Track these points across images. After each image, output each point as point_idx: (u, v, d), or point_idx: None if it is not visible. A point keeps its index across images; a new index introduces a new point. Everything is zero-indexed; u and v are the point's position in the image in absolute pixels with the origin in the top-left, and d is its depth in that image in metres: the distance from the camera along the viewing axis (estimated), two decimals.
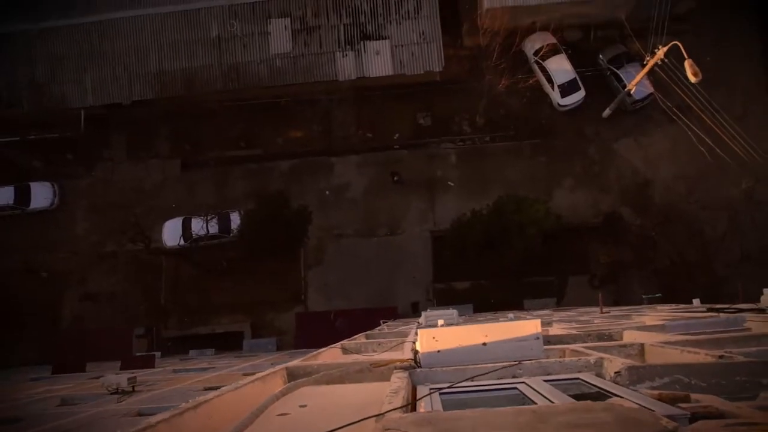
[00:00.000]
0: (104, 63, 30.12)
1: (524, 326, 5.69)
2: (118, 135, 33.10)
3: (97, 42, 30.15)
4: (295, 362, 6.82)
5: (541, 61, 30.57)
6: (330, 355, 8.80)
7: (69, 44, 30.31)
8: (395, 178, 31.44)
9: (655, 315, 13.03)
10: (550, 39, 30.53)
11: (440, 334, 5.66)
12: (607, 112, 30.70)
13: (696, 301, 17.24)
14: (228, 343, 29.91)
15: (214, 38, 30.14)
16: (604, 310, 18.55)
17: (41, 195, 31.97)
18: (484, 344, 5.61)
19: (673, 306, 18.31)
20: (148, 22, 30.13)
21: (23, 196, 31.84)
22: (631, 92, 29.02)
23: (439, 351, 5.58)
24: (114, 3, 30.34)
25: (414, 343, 6.39)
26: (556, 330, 10.37)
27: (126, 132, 33.03)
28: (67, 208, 32.45)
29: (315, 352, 9.07)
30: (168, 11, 30.22)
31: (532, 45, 30.80)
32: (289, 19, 30.05)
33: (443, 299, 29.93)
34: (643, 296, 26.60)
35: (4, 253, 31.21)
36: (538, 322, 5.69)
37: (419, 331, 5.78)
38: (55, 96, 30.41)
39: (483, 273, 30.40)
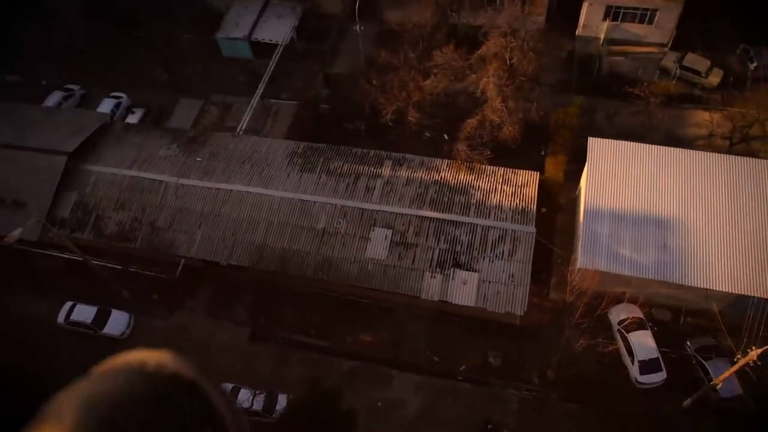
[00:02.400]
0: (217, 224, 32.98)
1: None
2: (205, 289, 34.89)
3: (219, 205, 33.41)
4: None
5: (624, 332, 30.10)
6: None
7: (195, 201, 33.75)
8: (489, 427, 29.94)
9: None
10: (636, 312, 30.34)
11: None
12: (688, 402, 28.84)
13: None
14: None
15: (319, 229, 32.41)
16: None
17: (117, 323, 33.54)
18: None
19: None
20: (267, 201, 33.27)
21: (102, 318, 33.54)
22: (717, 388, 27.44)
23: None
24: (245, 179, 34.13)
25: None
26: None
27: (212, 289, 34.83)
28: (134, 342, 33.34)
29: None
30: (288, 197, 33.37)
31: (617, 314, 30.65)
32: (391, 231, 32.02)
33: None
34: None
35: (56, 365, 31.78)
36: None
37: None
38: (166, 241, 33.12)
39: None
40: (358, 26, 38.78)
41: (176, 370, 0.56)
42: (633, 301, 30.51)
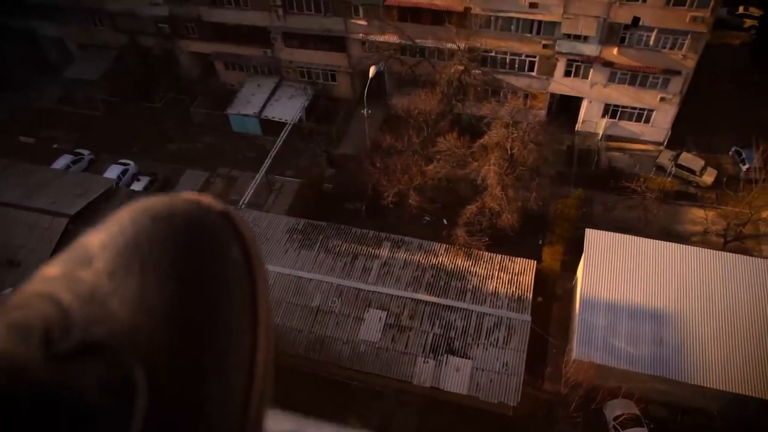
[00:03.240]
0: None
1: None
2: None
3: None
4: None
5: (619, 428, 29.29)
6: None
7: None
8: None
9: None
10: (632, 408, 29.63)
11: None
12: None
13: None
14: None
15: (314, 307, 32.24)
16: None
17: None
18: None
19: None
20: None
21: None
22: None
23: None
24: None
25: None
26: None
27: None
28: None
29: None
30: (285, 273, 33.40)
31: (613, 408, 29.93)
32: (386, 313, 31.83)
33: None
34: None
35: None
36: None
37: None
38: None
39: None
40: (365, 110, 40.13)
41: (211, 203, 0.76)
42: (629, 396, 29.92)
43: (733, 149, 40.95)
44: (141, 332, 0.60)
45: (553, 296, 34.75)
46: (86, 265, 0.66)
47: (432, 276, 33.06)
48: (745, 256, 31.15)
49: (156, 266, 0.64)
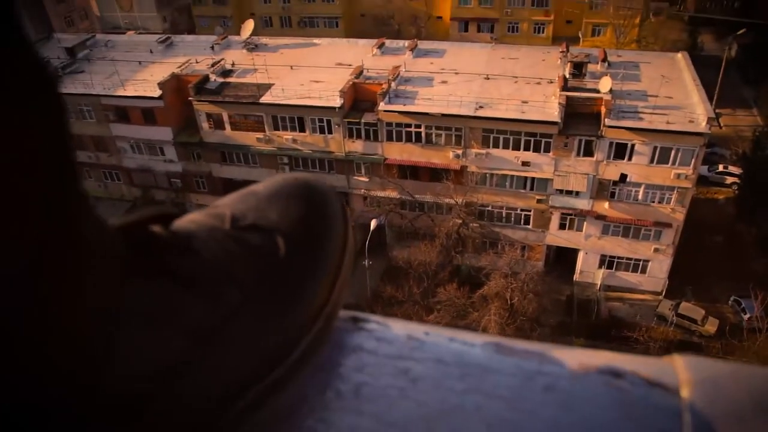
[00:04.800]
0: None
1: None
2: None
3: None
4: None
5: None
6: None
7: None
8: None
9: None
10: None
11: None
12: None
13: None
14: None
15: None
16: None
17: None
18: None
19: None
20: None
21: None
22: None
23: None
24: None
25: None
26: None
27: None
28: None
29: None
30: None
31: None
32: None
33: None
34: None
35: None
36: None
37: None
38: None
39: None
40: (366, 261, 41.02)
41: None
42: None
43: (732, 299, 41.31)
44: (284, 228, 1.01)
45: None
46: (251, 195, 1.08)
47: None
48: None
49: (296, 199, 1.06)
